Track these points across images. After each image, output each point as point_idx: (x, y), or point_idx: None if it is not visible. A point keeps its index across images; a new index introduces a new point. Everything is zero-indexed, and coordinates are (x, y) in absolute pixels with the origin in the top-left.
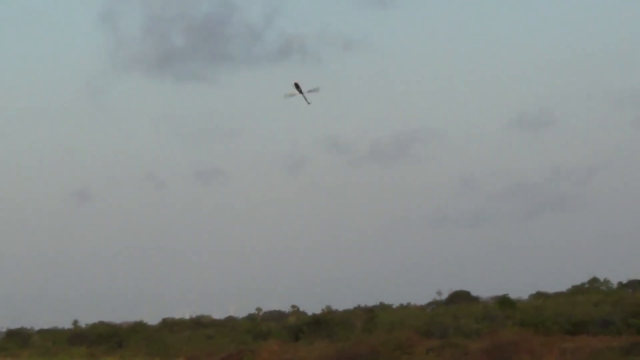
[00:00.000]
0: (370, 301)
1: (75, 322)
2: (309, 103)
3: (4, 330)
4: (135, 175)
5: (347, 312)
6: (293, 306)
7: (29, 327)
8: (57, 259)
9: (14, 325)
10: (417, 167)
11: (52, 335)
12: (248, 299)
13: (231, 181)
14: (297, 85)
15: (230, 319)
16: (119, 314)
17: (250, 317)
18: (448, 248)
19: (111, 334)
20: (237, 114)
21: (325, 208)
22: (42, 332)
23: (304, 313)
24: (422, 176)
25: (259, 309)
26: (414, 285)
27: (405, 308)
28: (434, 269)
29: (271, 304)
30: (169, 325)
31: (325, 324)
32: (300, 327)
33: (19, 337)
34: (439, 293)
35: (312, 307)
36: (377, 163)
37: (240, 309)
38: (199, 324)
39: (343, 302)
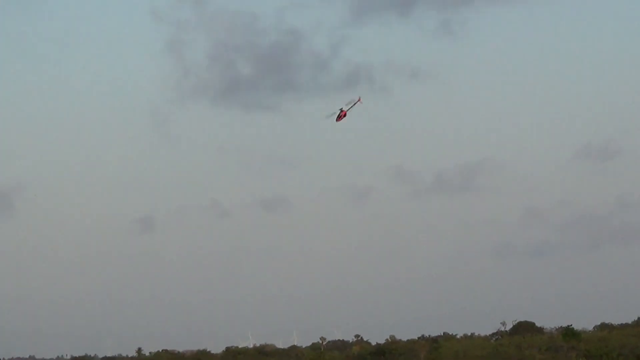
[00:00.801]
0: (434, 331)
1: (139, 350)
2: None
3: (69, 357)
4: (200, 203)
5: (410, 342)
6: (357, 335)
7: (92, 354)
8: (120, 286)
9: (78, 352)
10: (482, 198)
11: None
12: (312, 328)
13: (295, 210)
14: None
15: (293, 348)
16: (183, 343)
17: (314, 347)
18: (512, 279)
19: None
20: (302, 143)
21: (389, 238)
22: None
23: (367, 342)
24: (487, 207)
25: (322, 338)
26: (478, 316)
27: (469, 338)
28: (498, 299)
29: (335, 334)
30: (233, 354)
31: (389, 354)
32: (364, 357)
33: None
34: (503, 323)
35: (376, 336)
36: (442, 193)
37: (303, 338)
38: (263, 352)
39: (407, 332)
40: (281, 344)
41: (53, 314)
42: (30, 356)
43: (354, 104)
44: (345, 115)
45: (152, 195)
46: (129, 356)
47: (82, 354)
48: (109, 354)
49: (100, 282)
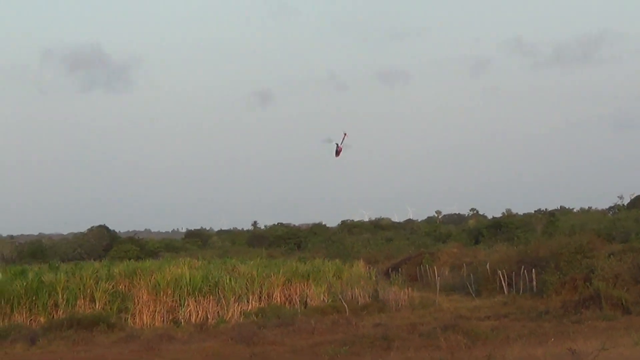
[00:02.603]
0: (551, 205)
1: (254, 224)
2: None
3: (184, 230)
4: (317, 76)
5: (527, 216)
6: (472, 209)
7: (207, 228)
8: (236, 160)
9: (193, 226)
10: (602, 70)
11: (231, 236)
12: (427, 202)
13: (412, 83)
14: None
15: (409, 222)
16: (298, 216)
17: (430, 220)
18: (631, 152)
19: (290, 236)
20: (421, 14)
21: (507, 110)
22: (221, 233)
23: (483, 216)
24: (607, 79)
25: (438, 212)
26: (595, 190)
27: (586, 212)
28: (616, 173)
29: (451, 207)
30: (348, 228)
31: (505, 227)
32: (480, 230)
33: (198, 238)
34: (621, 197)
35: (492, 210)
36: (561, 66)
37: (419, 212)
38: (378, 226)
39: (523, 206)
40: (396, 217)
41: (169, 188)
42: (145, 229)
43: (342, 139)
44: (341, 150)
45: (270, 68)
46: (245, 229)
47: (197, 227)
48: (224, 228)
49: (215, 155)
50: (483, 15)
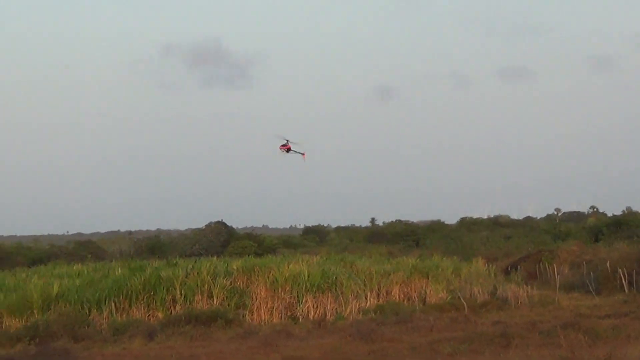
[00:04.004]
0: None
1: (372, 220)
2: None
3: (302, 227)
4: (439, 72)
5: None
6: (592, 207)
7: (325, 224)
8: (357, 155)
9: (311, 222)
10: None
11: (349, 233)
12: (547, 199)
13: (535, 80)
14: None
15: (528, 219)
16: (416, 213)
17: (549, 218)
18: None
19: (408, 233)
20: (546, 10)
21: (633, 106)
22: (339, 230)
23: (603, 214)
24: None
25: (557, 210)
26: None
27: None
28: None
29: (570, 205)
30: (467, 225)
31: (626, 225)
32: (600, 228)
33: (316, 234)
34: None
35: (612, 208)
36: None
37: (538, 210)
38: (497, 223)
39: None
40: (516, 215)
41: (285, 183)
42: (263, 225)
43: (299, 153)
44: (289, 149)
45: (392, 64)
46: (362, 226)
47: (314, 223)
48: (342, 224)
49: (334, 151)
50: (608, 12)
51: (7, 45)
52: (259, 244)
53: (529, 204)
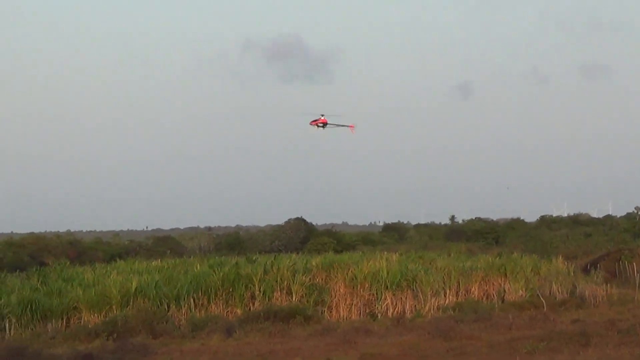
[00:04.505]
0: None
1: (452, 218)
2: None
3: (381, 224)
4: (518, 69)
5: None
6: None
7: (405, 221)
8: (437, 153)
9: (391, 219)
10: None
11: (429, 230)
12: (627, 197)
13: (616, 77)
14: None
15: (608, 218)
16: (496, 211)
17: (629, 216)
18: None
19: (488, 230)
20: (626, 5)
21: None
22: (418, 227)
23: None
24: None
25: (637, 208)
26: None
27: None
28: None
29: None
30: (547, 223)
31: None
32: None
33: (395, 232)
34: None
35: None
36: None
37: (619, 208)
38: (577, 221)
39: None
40: (596, 213)
41: (366, 180)
42: (342, 222)
43: (344, 126)
44: (325, 123)
45: (472, 61)
46: (442, 223)
47: (394, 221)
48: (421, 222)
49: (415, 148)
50: None
51: (90, 45)
52: (338, 241)
53: (610, 202)
